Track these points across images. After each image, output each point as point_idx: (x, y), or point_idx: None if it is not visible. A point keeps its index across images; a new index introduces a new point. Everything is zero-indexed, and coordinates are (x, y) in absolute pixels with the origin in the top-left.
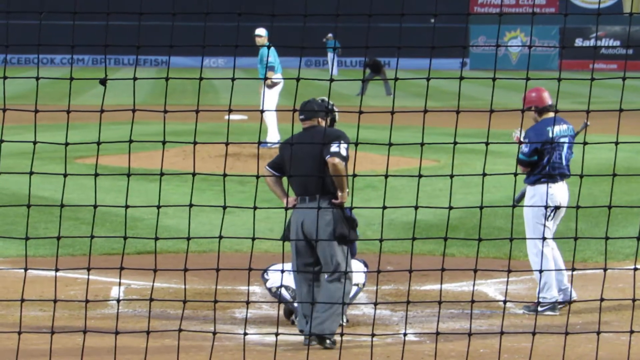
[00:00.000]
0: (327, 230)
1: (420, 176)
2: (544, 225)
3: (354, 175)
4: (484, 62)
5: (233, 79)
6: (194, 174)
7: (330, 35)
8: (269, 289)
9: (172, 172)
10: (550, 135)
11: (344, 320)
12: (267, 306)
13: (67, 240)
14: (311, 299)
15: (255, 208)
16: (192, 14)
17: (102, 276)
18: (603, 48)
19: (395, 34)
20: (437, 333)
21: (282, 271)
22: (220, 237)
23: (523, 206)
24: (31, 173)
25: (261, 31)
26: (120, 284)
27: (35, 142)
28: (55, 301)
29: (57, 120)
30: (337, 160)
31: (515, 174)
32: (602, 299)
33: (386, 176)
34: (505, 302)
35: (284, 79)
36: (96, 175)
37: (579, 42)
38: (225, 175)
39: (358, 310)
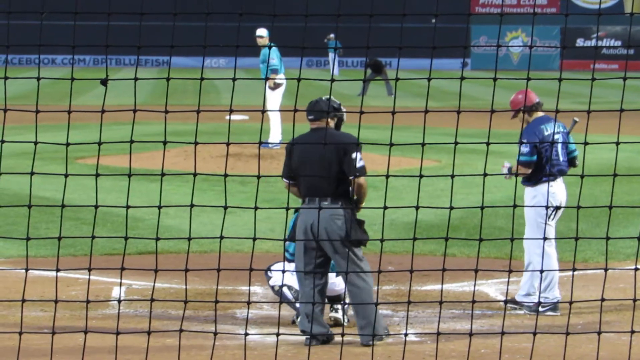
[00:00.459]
0: (341, 232)
1: (421, 176)
2: (546, 224)
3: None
4: (486, 62)
5: (234, 79)
6: (195, 174)
7: (331, 35)
8: (272, 287)
9: (173, 172)
10: (546, 133)
11: (345, 320)
12: (268, 306)
13: (68, 241)
14: (312, 299)
15: (256, 208)
16: (193, 14)
17: (103, 276)
18: (604, 48)
19: (397, 34)
20: (438, 333)
21: (283, 271)
22: (221, 238)
23: (524, 206)
24: (32, 173)
25: (262, 32)
26: (121, 284)
27: (36, 143)
28: (56, 301)
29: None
30: (362, 180)
31: (517, 174)
32: (603, 299)
33: (387, 176)
34: (506, 302)
35: (286, 79)
36: (97, 175)
37: (580, 42)
38: (226, 175)
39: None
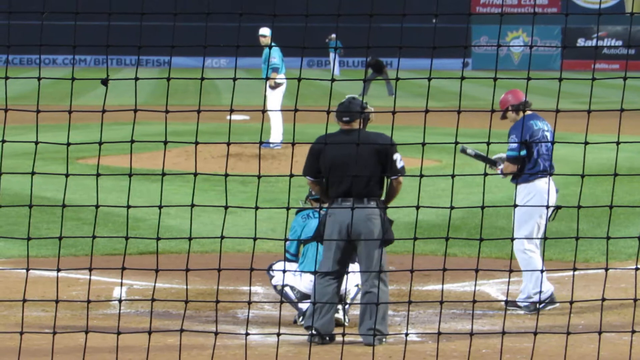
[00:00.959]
0: (378, 232)
1: (422, 176)
2: (537, 223)
3: (355, 176)
4: (486, 62)
5: (235, 79)
6: (195, 174)
7: (333, 35)
8: (274, 286)
9: (174, 172)
10: (535, 127)
11: (346, 320)
12: (269, 306)
13: (69, 241)
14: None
15: (257, 208)
16: (193, 14)
17: (104, 276)
18: (605, 48)
19: (397, 34)
20: (439, 333)
21: (284, 271)
22: (222, 238)
23: (525, 206)
24: (33, 173)
25: (265, 31)
26: (122, 284)
27: (37, 143)
28: (57, 301)
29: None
30: (402, 179)
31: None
32: (603, 299)
33: (388, 176)
34: (506, 302)
35: (286, 79)
36: (98, 175)
37: (581, 42)
38: (227, 175)
39: (359, 310)
